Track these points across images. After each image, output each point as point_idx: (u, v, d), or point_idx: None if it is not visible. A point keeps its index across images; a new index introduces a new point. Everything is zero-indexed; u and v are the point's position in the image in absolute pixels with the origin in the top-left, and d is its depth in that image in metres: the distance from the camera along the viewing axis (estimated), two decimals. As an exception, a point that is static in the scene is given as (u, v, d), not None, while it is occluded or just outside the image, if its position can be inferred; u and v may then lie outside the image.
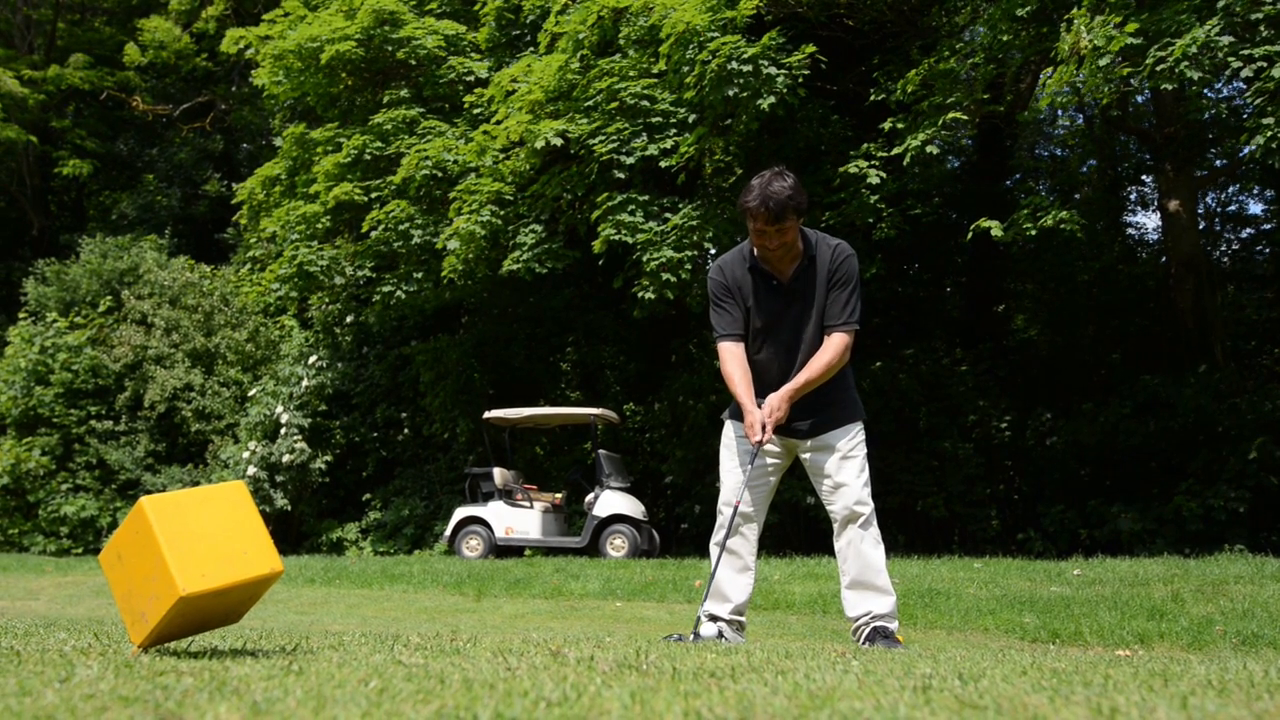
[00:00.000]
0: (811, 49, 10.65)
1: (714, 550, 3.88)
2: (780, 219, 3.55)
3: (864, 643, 3.65)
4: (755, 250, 3.74)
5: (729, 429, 3.98)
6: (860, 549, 3.72)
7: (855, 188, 11.52)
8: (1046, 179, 19.99)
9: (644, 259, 11.02)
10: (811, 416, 3.85)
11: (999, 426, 14.35)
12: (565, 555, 11.50)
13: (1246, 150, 9.23)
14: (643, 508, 12.10)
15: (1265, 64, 8.58)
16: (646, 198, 11.50)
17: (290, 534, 15.02)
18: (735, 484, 3.84)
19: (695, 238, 11.19)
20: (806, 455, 3.90)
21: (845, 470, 3.79)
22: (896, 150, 10.88)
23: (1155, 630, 5.73)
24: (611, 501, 11.80)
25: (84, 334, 16.47)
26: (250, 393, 15.57)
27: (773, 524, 13.32)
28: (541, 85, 11.75)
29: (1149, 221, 34.45)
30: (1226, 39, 8.54)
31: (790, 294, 3.76)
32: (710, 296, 3.88)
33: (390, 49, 13.50)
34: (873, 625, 3.67)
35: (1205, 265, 13.91)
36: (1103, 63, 8.93)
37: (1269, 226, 19.01)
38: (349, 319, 15.91)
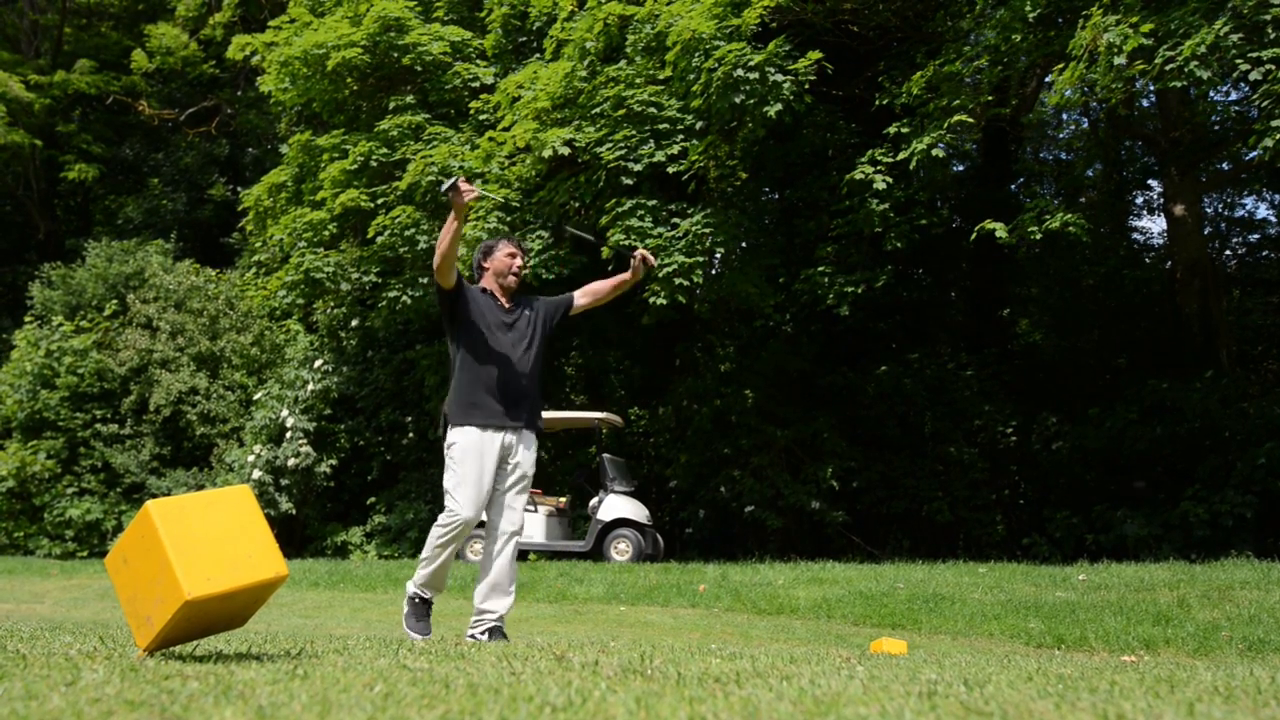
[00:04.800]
0: (817, 55, 10.66)
1: (443, 555, 4.24)
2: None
3: (483, 635, 4.23)
4: (493, 281, 4.47)
5: (468, 434, 4.23)
6: (511, 560, 4.32)
7: (861, 195, 11.54)
8: (1051, 183, 19.99)
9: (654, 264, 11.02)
10: (529, 404, 4.39)
11: (1004, 431, 14.33)
12: (570, 559, 11.49)
13: (1255, 153, 9.22)
14: (647, 512, 12.09)
15: (1274, 66, 8.57)
16: (655, 203, 11.52)
17: (295, 537, 15.03)
18: (478, 498, 4.19)
19: (706, 244, 11.21)
20: (508, 440, 4.29)
21: (525, 489, 4.39)
22: (903, 155, 10.89)
23: (1161, 636, 5.71)
24: (616, 506, 11.79)
25: (89, 338, 16.50)
26: (255, 396, 15.59)
27: (777, 529, 13.32)
28: (548, 92, 11.77)
29: (1154, 225, 34.50)
30: (1235, 36, 8.53)
31: (516, 321, 4.44)
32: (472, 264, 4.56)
33: (396, 55, 13.52)
34: (495, 625, 4.26)
35: (1210, 269, 13.88)
36: (1116, 61, 8.93)
37: (1275, 231, 18.97)
38: (354, 323, 15.93)
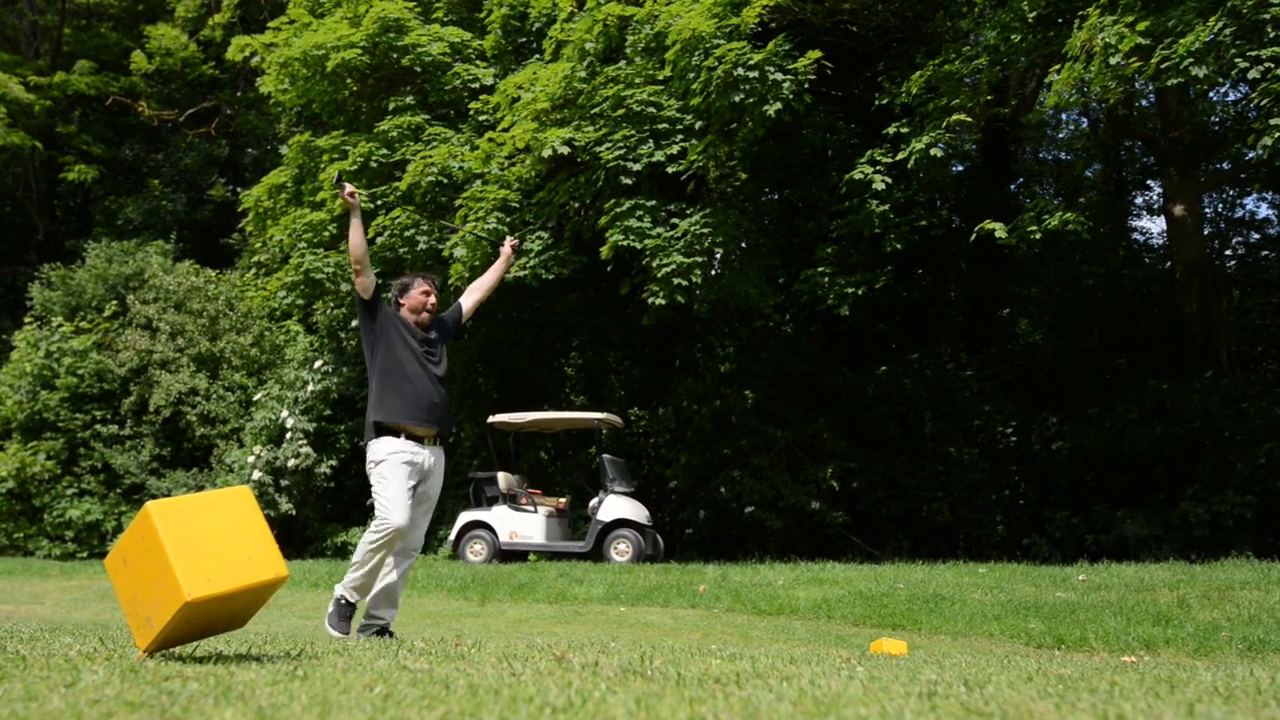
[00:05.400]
0: (817, 54, 10.67)
1: (374, 560, 4.47)
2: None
3: (374, 634, 4.53)
4: (409, 314, 4.79)
5: (391, 445, 4.50)
6: (405, 577, 4.65)
7: (861, 196, 11.54)
8: (1051, 183, 19.99)
9: (653, 265, 11.03)
10: (443, 414, 4.67)
11: (1004, 431, 14.33)
12: (569, 560, 11.49)
13: (1255, 153, 9.23)
14: (647, 512, 12.09)
15: (1272, 64, 8.58)
16: (654, 203, 11.51)
17: (295, 538, 15.02)
18: (406, 505, 4.45)
19: (705, 244, 11.21)
20: (427, 461, 4.58)
21: (429, 513, 4.66)
22: (901, 155, 10.89)
23: (1161, 636, 5.72)
24: (616, 506, 11.78)
25: (89, 338, 16.49)
26: (255, 397, 15.58)
27: (777, 529, 13.33)
28: (547, 93, 11.77)
29: (1154, 226, 34.52)
30: (1228, 31, 8.54)
31: (429, 338, 4.80)
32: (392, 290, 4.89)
33: (395, 56, 13.52)
34: (384, 626, 4.61)
35: (1210, 270, 13.88)
36: (1113, 60, 8.94)
37: (1275, 231, 18.97)
38: (354, 324, 15.93)
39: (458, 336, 4.97)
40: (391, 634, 4.68)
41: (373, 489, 4.53)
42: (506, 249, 5.28)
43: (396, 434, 4.53)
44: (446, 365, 4.84)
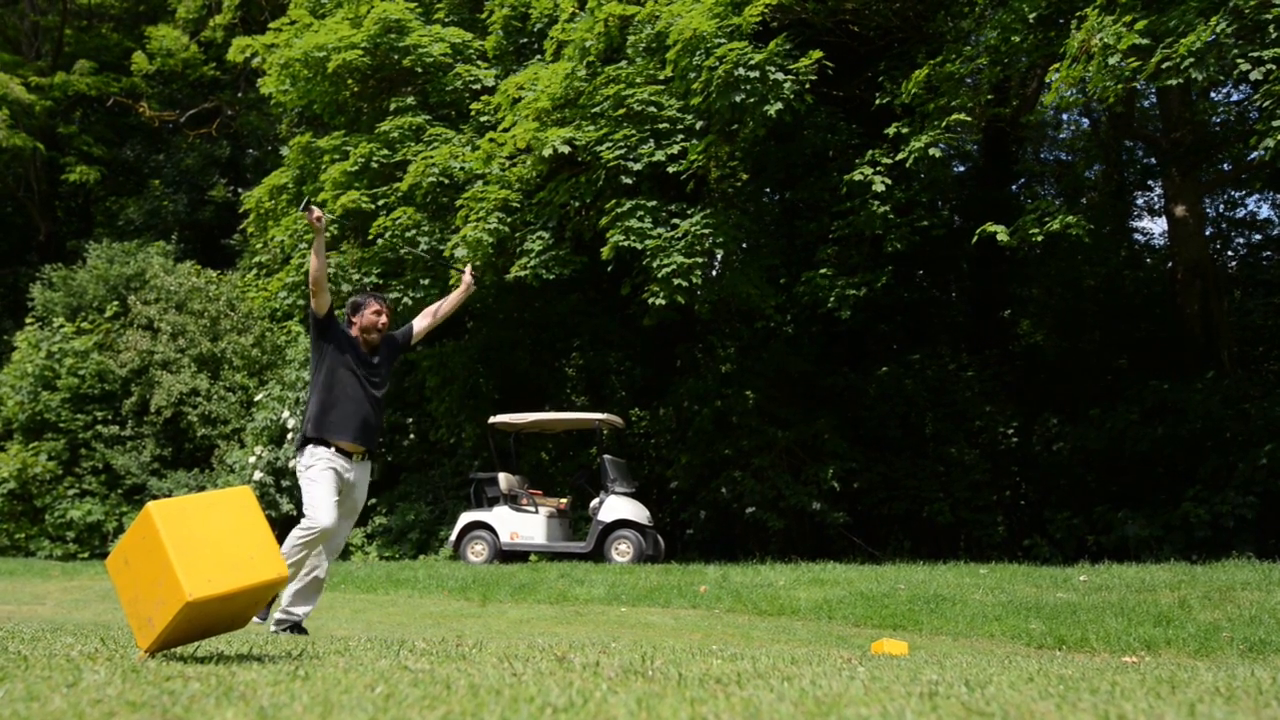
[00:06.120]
0: (818, 54, 10.67)
1: (300, 556, 4.67)
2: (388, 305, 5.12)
3: (285, 630, 4.73)
4: (359, 334, 4.99)
5: (321, 453, 4.76)
6: (324, 578, 4.91)
7: (862, 197, 11.53)
8: (1052, 183, 19.99)
9: (654, 265, 11.03)
10: (373, 432, 4.92)
11: (1005, 432, 14.33)
12: (570, 560, 11.48)
13: (1257, 153, 9.22)
14: (648, 513, 12.08)
15: (1274, 65, 8.58)
16: (654, 203, 11.51)
17: (296, 539, 15.04)
18: (335, 509, 4.69)
19: (706, 245, 11.21)
20: (352, 475, 4.83)
21: (352, 520, 4.93)
22: (901, 155, 10.89)
23: (1162, 637, 5.71)
24: (617, 507, 11.78)
25: (90, 339, 16.51)
26: (256, 398, 15.60)
27: (778, 530, 13.33)
28: (548, 93, 11.77)
29: (1155, 226, 34.50)
30: (1223, 27, 8.53)
31: (373, 362, 5.02)
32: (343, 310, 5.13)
33: (397, 57, 13.52)
34: (297, 621, 4.82)
35: (1211, 270, 13.87)
36: (1111, 60, 8.94)
37: (1276, 231, 18.96)
38: (354, 324, 15.95)
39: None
40: (304, 630, 4.85)
41: (303, 491, 4.77)
42: (467, 277, 5.46)
43: (327, 446, 4.78)
44: (387, 387, 5.08)
